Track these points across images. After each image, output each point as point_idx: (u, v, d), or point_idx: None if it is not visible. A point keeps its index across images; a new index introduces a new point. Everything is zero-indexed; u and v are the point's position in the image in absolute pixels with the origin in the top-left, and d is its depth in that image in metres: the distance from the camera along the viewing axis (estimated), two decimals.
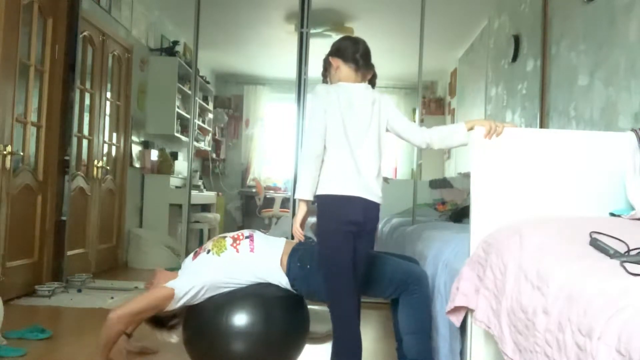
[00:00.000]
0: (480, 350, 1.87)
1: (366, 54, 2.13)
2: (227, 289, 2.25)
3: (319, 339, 2.72)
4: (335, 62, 2.12)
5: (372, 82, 2.16)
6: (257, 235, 2.40)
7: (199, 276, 2.24)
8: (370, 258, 2.22)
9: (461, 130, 2.01)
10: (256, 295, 2.24)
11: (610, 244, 1.38)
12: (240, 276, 2.26)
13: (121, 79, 5.33)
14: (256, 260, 2.29)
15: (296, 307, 2.31)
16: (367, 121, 2.03)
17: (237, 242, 2.33)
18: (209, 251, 2.34)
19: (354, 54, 2.10)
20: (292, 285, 2.25)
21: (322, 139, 1.99)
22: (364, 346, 2.94)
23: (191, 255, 2.43)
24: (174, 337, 2.35)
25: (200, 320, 2.22)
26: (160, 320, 2.29)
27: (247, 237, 2.36)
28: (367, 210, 1.98)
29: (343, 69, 2.10)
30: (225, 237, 2.39)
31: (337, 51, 2.14)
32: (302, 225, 2.01)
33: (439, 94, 7.86)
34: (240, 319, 2.16)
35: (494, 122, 1.96)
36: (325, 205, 1.99)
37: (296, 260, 2.22)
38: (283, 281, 2.27)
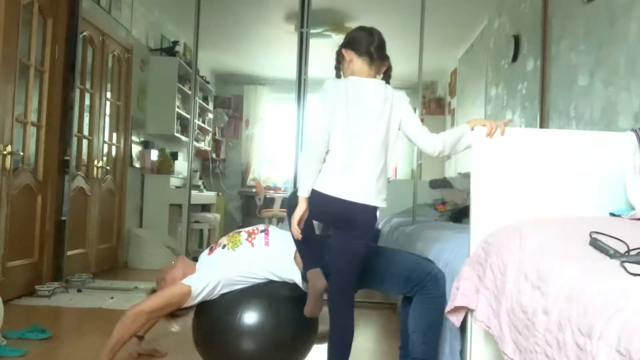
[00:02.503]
0: (480, 350, 1.87)
1: (381, 45, 2.03)
2: (241, 285, 2.26)
3: (319, 339, 2.72)
4: (349, 54, 2.03)
5: (387, 75, 2.08)
6: (272, 229, 2.41)
7: (215, 272, 2.24)
8: (385, 254, 2.21)
9: (467, 133, 1.98)
10: (267, 295, 2.24)
11: (610, 244, 1.38)
12: (255, 271, 2.26)
13: (121, 79, 5.33)
14: (271, 254, 2.28)
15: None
16: (376, 119, 1.96)
17: (252, 236, 2.34)
18: (224, 246, 2.34)
19: (368, 47, 2.00)
20: (304, 276, 2.24)
21: (327, 139, 1.94)
22: (365, 346, 2.95)
23: (206, 250, 2.44)
24: (175, 327, 2.35)
25: (212, 320, 2.23)
26: None
27: (262, 232, 2.37)
28: (350, 213, 1.94)
29: (356, 62, 2.01)
30: (240, 232, 2.40)
31: (350, 43, 2.04)
32: (300, 222, 1.99)
33: (439, 94, 7.87)
34: (251, 318, 2.17)
35: (494, 121, 1.96)
36: (310, 200, 1.97)
37: None
38: (295, 276, 2.26)
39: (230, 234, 2.44)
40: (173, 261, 2.43)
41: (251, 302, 2.20)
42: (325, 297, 2.07)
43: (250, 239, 2.33)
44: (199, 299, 2.19)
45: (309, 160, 1.95)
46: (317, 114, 2.00)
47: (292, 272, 2.26)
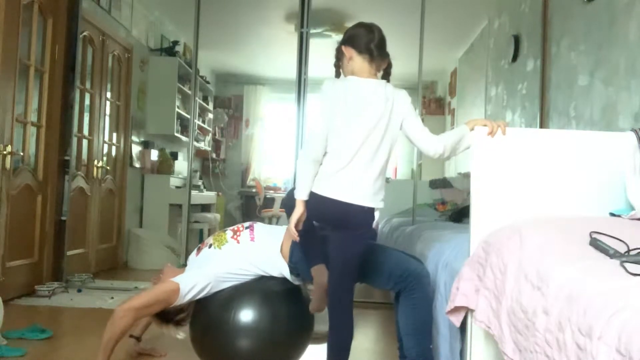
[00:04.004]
0: (480, 350, 1.87)
1: (381, 42, 2.01)
2: (230, 283, 2.26)
3: (319, 339, 2.73)
4: (349, 51, 2.01)
5: (387, 72, 2.06)
6: (258, 224, 2.41)
7: (203, 271, 2.25)
8: (374, 249, 2.22)
9: (467, 134, 1.98)
10: (260, 291, 2.25)
11: (610, 244, 1.38)
12: (243, 266, 2.26)
13: (121, 79, 5.33)
14: (257, 248, 2.29)
15: (302, 303, 2.32)
16: (375, 120, 1.94)
17: (238, 233, 2.35)
18: (210, 245, 2.35)
19: (368, 44, 1.98)
20: (292, 269, 2.24)
21: (324, 143, 1.93)
22: (365, 346, 2.95)
23: (194, 251, 2.44)
24: (180, 334, 2.35)
25: (207, 318, 2.23)
26: (166, 315, 2.28)
27: (247, 228, 2.38)
28: (347, 214, 1.93)
29: (356, 60, 1.99)
30: (225, 230, 2.41)
31: (350, 40, 2.02)
32: (298, 224, 1.99)
33: (439, 94, 7.87)
34: (247, 315, 2.18)
35: (494, 121, 1.96)
36: (308, 202, 1.98)
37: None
38: (284, 270, 2.26)
39: (216, 233, 2.45)
40: (160, 274, 2.41)
41: (245, 299, 2.21)
42: None
43: (235, 236, 2.34)
44: (188, 298, 2.18)
45: (306, 163, 1.95)
46: (316, 119, 1.99)
47: (279, 266, 2.27)
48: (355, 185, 1.93)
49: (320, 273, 2.08)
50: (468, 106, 6.36)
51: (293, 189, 2.07)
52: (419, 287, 2.13)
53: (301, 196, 1.96)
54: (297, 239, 2.01)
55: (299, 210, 1.97)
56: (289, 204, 2.09)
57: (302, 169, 1.96)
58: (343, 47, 2.03)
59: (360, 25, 2.07)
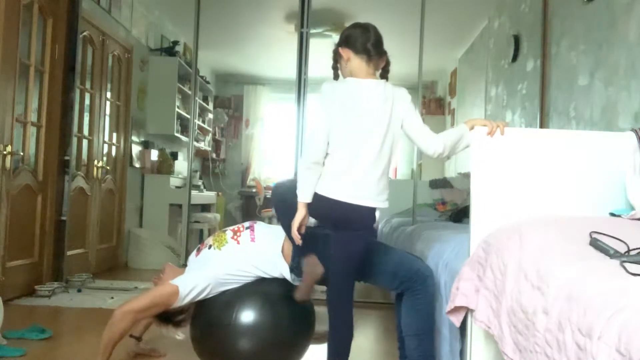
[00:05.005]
0: (480, 350, 1.87)
1: (378, 41, 2.03)
2: (231, 285, 2.24)
3: (319, 339, 2.73)
4: (346, 53, 2.02)
5: (386, 70, 2.07)
6: (259, 224, 2.39)
7: (202, 273, 2.23)
8: (379, 248, 2.22)
9: (466, 134, 1.99)
10: (261, 293, 2.24)
11: (610, 244, 1.38)
12: (243, 268, 2.24)
13: (121, 79, 5.33)
14: (257, 249, 2.27)
15: (302, 304, 2.32)
16: (375, 120, 1.95)
17: (238, 234, 2.33)
18: (210, 246, 2.33)
19: (364, 44, 2.00)
20: (292, 269, 2.23)
21: (324, 146, 1.94)
22: (364, 346, 2.95)
23: (194, 252, 2.43)
24: (180, 334, 2.34)
25: (208, 318, 2.23)
26: (166, 315, 2.27)
27: (247, 228, 2.36)
28: (351, 215, 1.94)
29: (354, 60, 2.01)
30: (225, 230, 2.39)
31: (346, 41, 2.03)
32: (301, 227, 1.99)
33: (439, 94, 7.86)
34: (248, 316, 2.17)
35: (493, 121, 1.96)
36: (310, 203, 1.98)
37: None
38: (284, 270, 2.25)
39: (216, 233, 2.43)
40: (161, 273, 2.40)
41: (246, 300, 2.20)
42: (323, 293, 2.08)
43: (235, 236, 2.32)
44: (187, 300, 2.17)
45: (307, 166, 1.95)
46: (315, 122, 2.00)
47: (280, 267, 2.26)
48: (359, 186, 1.94)
49: (314, 263, 2.07)
50: (468, 106, 6.36)
51: (283, 185, 2.10)
52: (423, 288, 2.13)
53: (304, 199, 1.95)
54: (300, 242, 2.00)
55: (301, 213, 1.97)
56: (279, 204, 2.10)
57: (303, 172, 1.97)
58: (340, 49, 2.05)
59: (356, 25, 2.08)
